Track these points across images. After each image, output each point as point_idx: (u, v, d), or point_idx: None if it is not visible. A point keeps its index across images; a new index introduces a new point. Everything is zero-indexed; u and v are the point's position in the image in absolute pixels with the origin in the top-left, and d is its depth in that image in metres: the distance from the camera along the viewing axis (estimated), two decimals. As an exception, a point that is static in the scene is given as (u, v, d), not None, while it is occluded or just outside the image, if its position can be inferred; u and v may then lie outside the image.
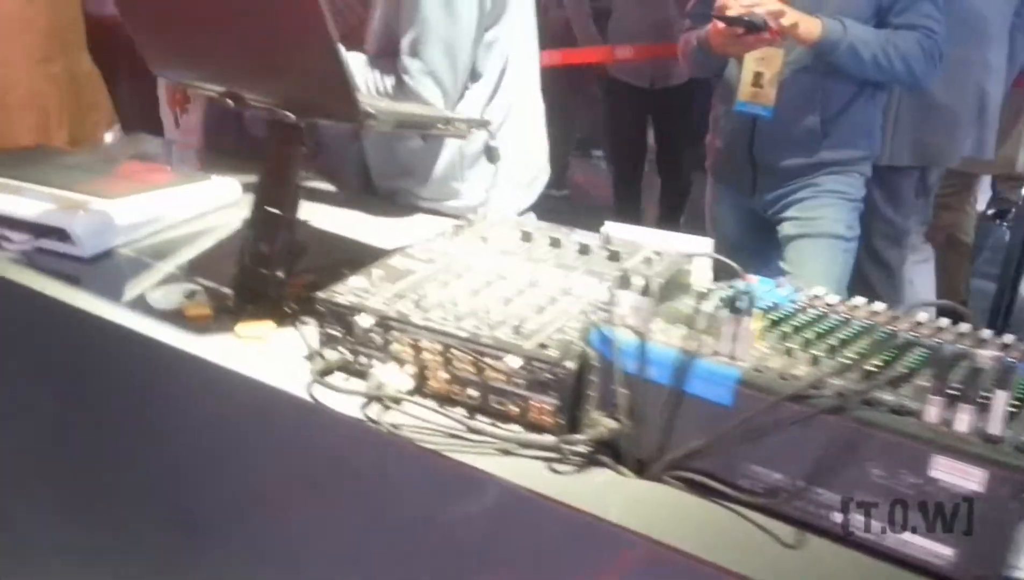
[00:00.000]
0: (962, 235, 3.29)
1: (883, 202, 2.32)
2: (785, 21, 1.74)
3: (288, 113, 1.09)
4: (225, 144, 2.06)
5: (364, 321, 1.02)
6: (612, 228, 1.28)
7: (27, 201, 1.34)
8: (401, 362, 1.01)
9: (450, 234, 1.24)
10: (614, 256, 1.18)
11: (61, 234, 1.30)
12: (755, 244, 2.10)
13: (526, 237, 1.24)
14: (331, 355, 1.05)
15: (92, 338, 1.23)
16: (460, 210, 1.58)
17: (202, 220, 1.51)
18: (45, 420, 1.32)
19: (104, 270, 1.34)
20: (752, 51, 1.86)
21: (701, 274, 1.20)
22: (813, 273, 1.87)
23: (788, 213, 1.98)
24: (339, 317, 1.04)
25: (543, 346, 0.95)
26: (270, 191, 1.18)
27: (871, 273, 2.34)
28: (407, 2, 1.44)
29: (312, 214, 1.57)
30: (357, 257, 1.34)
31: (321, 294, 1.05)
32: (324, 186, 1.73)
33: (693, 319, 0.92)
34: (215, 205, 1.54)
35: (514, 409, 0.97)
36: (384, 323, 1.02)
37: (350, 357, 1.05)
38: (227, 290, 1.24)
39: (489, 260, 1.16)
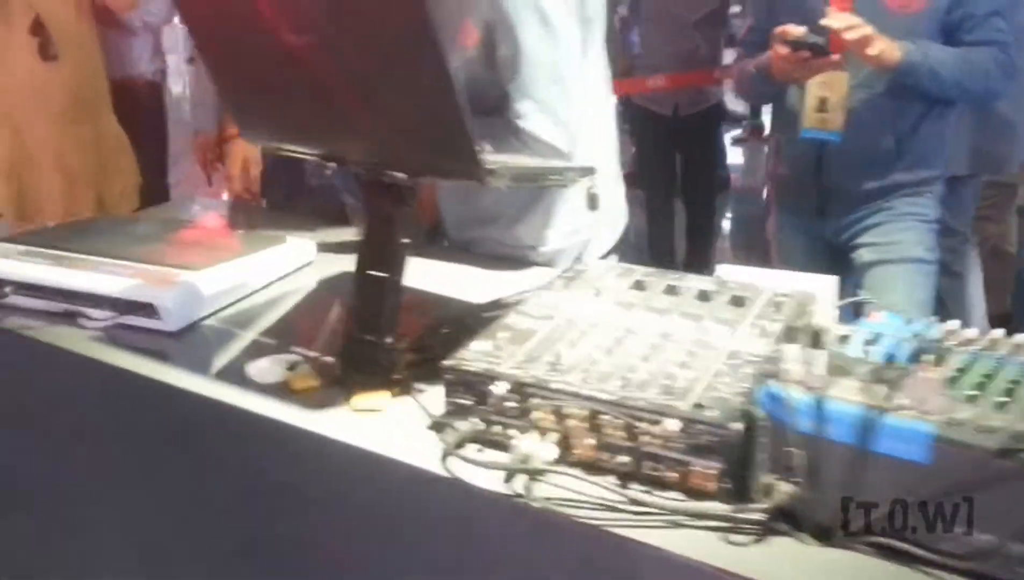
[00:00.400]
0: (1007, 246, 3.25)
1: (945, 212, 2.27)
2: (872, 50, 1.70)
3: (399, 174, 1.04)
4: (277, 195, 2.01)
5: (499, 389, 0.96)
6: (725, 270, 1.23)
7: (107, 277, 1.28)
8: (542, 430, 0.95)
9: (559, 286, 1.19)
10: (738, 301, 1.13)
11: (147, 309, 1.25)
12: (823, 270, 2.04)
13: (639, 285, 1.18)
14: (462, 425, 0.99)
15: (189, 415, 1.17)
16: (546, 256, 1.53)
17: (283, 283, 1.46)
18: (141, 502, 1.26)
19: (193, 344, 1.28)
20: (816, 76, 1.82)
21: (825, 315, 1.15)
22: (897, 299, 1.81)
23: (863, 239, 1.93)
24: (469, 385, 0.99)
25: (701, 406, 0.90)
26: (375, 254, 1.12)
27: (942, 285, 2.28)
28: (503, 33, 1.36)
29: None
30: (453, 314, 1.29)
31: (448, 362, 1.00)
32: None
33: (860, 368, 0.87)
34: (294, 267, 1.49)
35: (672, 475, 0.91)
36: (521, 390, 0.96)
37: (482, 426, 0.99)
38: (329, 359, 1.18)
39: (610, 313, 1.10)
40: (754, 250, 4.03)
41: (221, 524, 1.16)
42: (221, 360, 1.23)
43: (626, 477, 0.93)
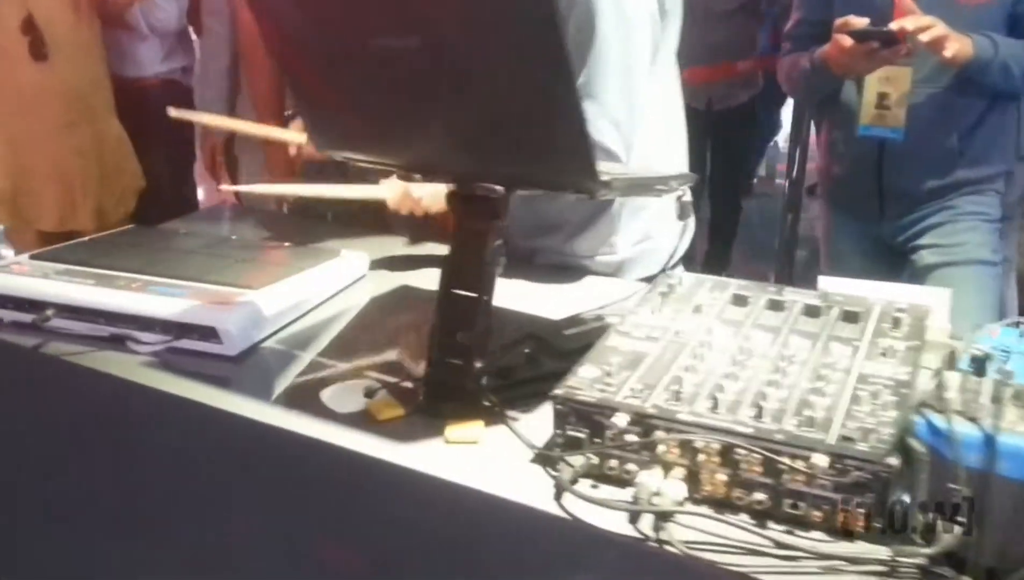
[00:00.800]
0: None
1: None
2: (948, 52, 1.64)
3: (495, 186, 0.96)
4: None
5: (620, 420, 0.89)
6: (827, 282, 1.16)
7: (161, 298, 1.19)
8: (667, 465, 0.88)
9: (655, 303, 1.11)
10: (850, 317, 1.06)
11: (206, 333, 1.16)
12: (880, 273, 1.98)
13: (739, 300, 1.11)
14: (576, 460, 0.91)
15: (258, 446, 1.08)
16: (612, 266, 1.45)
17: (339, 300, 1.37)
18: (204, 541, 1.17)
19: (255, 368, 1.20)
20: (878, 70, 1.75)
21: (941, 330, 1.09)
22: (963, 303, 1.75)
23: (925, 240, 1.87)
24: (583, 416, 0.91)
25: (849, 440, 0.82)
26: (463, 271, 1.04)
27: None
28: (582, 21, 1.27)
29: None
30: (532, 333, 1.22)
31: (559, 391, 0.92)
32: (437, 249, 1.59)
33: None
34: (348, 281, 1.40)
35: (816, 514, 0.83)
36: (643, 421, 0.88)
37: (596, 460, 0.91)
38: (408, 384, 1.10)
39: (719, 332, 1.03)
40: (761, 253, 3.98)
41: (301, 564, 1.08)
42: (289, 386, 1.15)
43: (761, 515, 0.86)
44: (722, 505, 0.87)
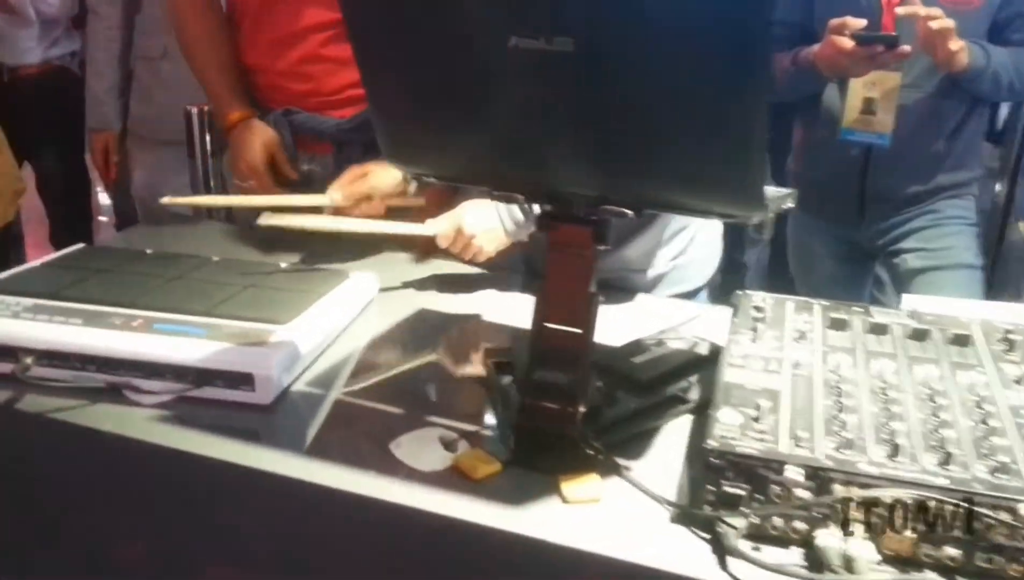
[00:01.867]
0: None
1: None
2: (953, 44, 1.62)
3: (625, 210, 0.84)
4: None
5: (793, 474, 0.79)
6: (912, 301, 1.10)
7: (175, 340, 1.00)
8: (844, 522, 0.79)
9: (749, 328, 1.02)
10: (960, 340, 1.00)
11: (235, 379, 0.98)
12: (850, 275, 1.98)
13: (837, 324, 1.04)
14: (737, 520, 0.81)
15: (334, 516, 0.92)
16: (650, 282, 1.35)
17: (357, 327, 1.21)
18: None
19: (291, 417, 1.03)
20: (866, 74, 1.73)
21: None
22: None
23: (908, 244, 1.86)
24: (743, 470, 0.81)
25: (1051, 486, 0.76)
26: (560, 303, 0.92)
27: None
28: None
29: (479, 305, 1.31)
30: (597, 363, 1.10)
31: (713, 443, 0.81)
32: (464, 268, 1.44)
33: None
34: (361, 306, 1.24)
35: (1017, 568, 0.77)
36: (819, 475, 0.79)
37: (755, 520, 0.81)
38: (487, 431, 0.97)
39: (840, 363, 0.95)
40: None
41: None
42: (342, 438, 0.99)
43: (950, 572, 0.78)
44: (910, 563, 0.78)
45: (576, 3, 0.70)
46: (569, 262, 0.91)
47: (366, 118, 1.45)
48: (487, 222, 1.30)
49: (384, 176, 1.36)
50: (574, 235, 0.90)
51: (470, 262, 1.35)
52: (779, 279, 3.59)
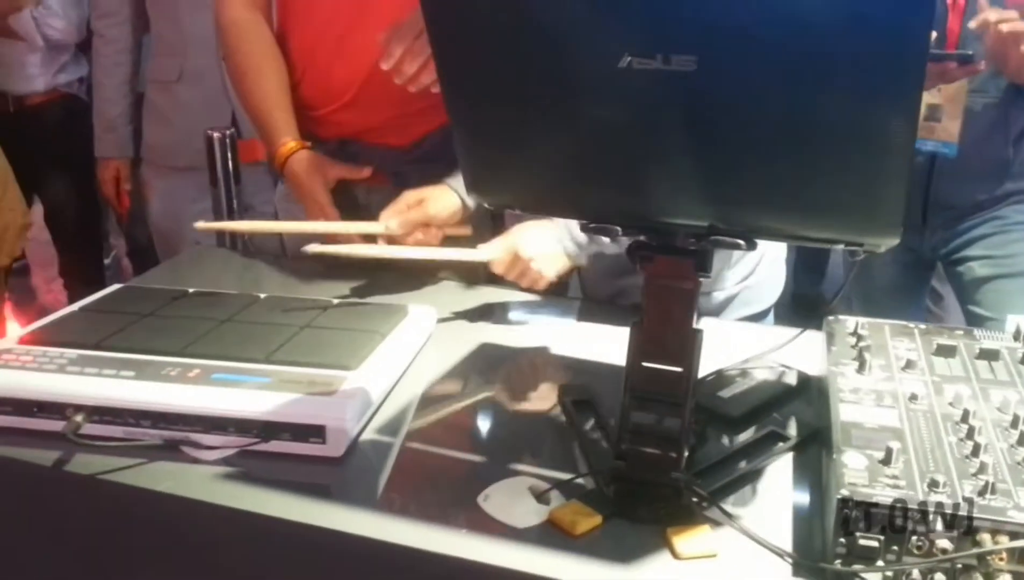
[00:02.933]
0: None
1: None
2: None
3: (739, 241, 0.77)
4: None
5: (936, 525, 0.72)
6: (1018, 321, 1.04)
7: (237, 392, 0.93)
8: (988, 573, 0.72)
9: (843, 356, 0.96)
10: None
11: (304, 432, 0.91)
12: (909, 285, 1.91)
13: (945, 351, 0.98)
14: (872, 576, 0.74)
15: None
16: (716, 304, 1.29)
17: (421, 365, 1.14)
18: None
19: (364, 471, 0.96)
20: (933, 88, 1.66)
21: None
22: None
23: (972, 251, 1.79)
24: (878, 520, 0.74)
25: None
26: (661, 340, 0.85)
27: None
28: None
29: (541, 337, 1.24)
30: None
31: (845, 492, 0.74)
32: (519, 296, 1.37)
33: None
34: (421, 342, 1.17)
35: None
36: (963, 523, 0.72)
37: (889, 573, 0.74)
38: (580, 480, 0.90)
39: (959, 395, 0.89)
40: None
41: None
42: (423, 493, 0.92)
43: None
44: (1057, 614, 0.72)
45: (701, 19, 0.63)
46: (669, 295, 0.85)
47: (426, 149, 1.39)
48: (545, 246, 1.23)
49: (442, 203, 1.29)
50: (674, 267, 0.84)
51: (528, 289, 1.29)
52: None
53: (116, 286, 1.27)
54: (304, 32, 1.40)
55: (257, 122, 1.43)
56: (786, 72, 0.64)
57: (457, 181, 1.29)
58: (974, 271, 1.78)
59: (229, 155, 1.93)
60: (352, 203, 1.47)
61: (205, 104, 2.09)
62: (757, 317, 1.30)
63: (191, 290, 1.24)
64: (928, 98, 1.70)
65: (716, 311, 1.28)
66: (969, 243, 1.80)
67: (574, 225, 1.23)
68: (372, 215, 1.44)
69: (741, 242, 0.77)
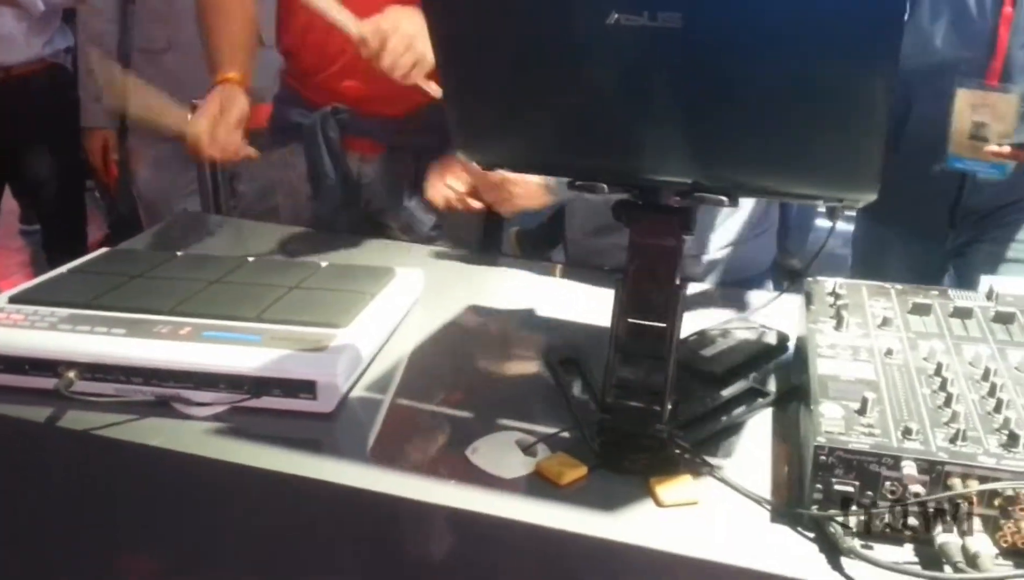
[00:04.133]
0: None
1: None
2: None
3: (722, 198, 0.79)
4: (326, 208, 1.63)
5: (909, 470, 0.75)
6: (992, 282, 1.06)
7: (228, 348, 0.95)
8: (959, 518, 0.75)
9: (826, 316, 0.98)
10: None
11: (295, 387, 0.93)
12: (933, 278, 1.84)
13: (920, 309, 1.00)
14: (848, 519, 0.77)
15: (402, 530, 0.88)
16: (701, 270, 1.31)
17: (408, 327, 1.16)
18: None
19: (354, 425, 0.98)
20: (971, 96, 1.55)
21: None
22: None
23: (986, 235, 1.72)
24: (853, 467, 0.77)
25: None
26: (646, 296, 0.87)
27: None
28: None
29: (528, 299, 1.26)
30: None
31: (821, 440, 0.77)
32: (508, 262, 1.39)
33: None
34: (409, 304, 1.19)
35: None
36: (935, 469, 0.75)
37: (863, 517, 0.77)
38: (565, 433, 0.92)
39: (933, 350, 0.92)
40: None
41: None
42: (412, 445, 0.94)
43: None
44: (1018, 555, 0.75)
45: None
46: (653, 253, 0.87)
47: (420, 120, 1.39)
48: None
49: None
50: (659, 225, 0.86)
51: (493, 206, 1.29)
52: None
53: (104, 249, 1.27)
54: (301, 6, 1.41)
55: (209, 55, 1.44)
56: (770, 30, 0.65)
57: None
58: (984, 253, 1.72)
59: (216, 124, 1.94)
60: (345, 172, 1.48)
61: (193, 73, 2.07)
62: (743, 284, 1.32)
63: (179, 253, 1.25)
64: (972, 114, 1.58)
65: (702, 277, 1.30)
66: (985, 230, 1.73)
67: None
68: (364, 185, 1.46)
69: (724, 198, 0.79)
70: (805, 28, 0.64)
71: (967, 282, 1.71)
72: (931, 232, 1.73)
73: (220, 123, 1.31)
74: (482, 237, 1.55)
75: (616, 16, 0.68)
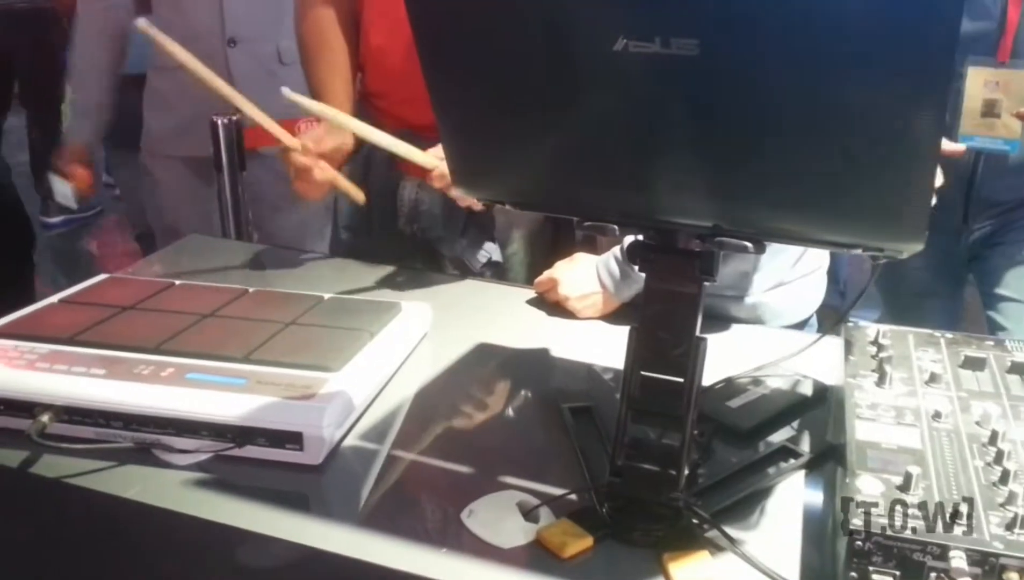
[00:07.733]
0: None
1: None
2: None
3: (745, 243, 0.71)
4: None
5: (959, 562, 0.65)
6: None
7: (210, 394, 0.88)
8: (1018, 613, 0.65)
9: (867, 369, 0.89)
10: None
11: (281, 438, 0.86)
12: (946, 288, 1.80)
13: (973, 364, 0.90)
14: (888, 615, 0.67)
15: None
16: (746, 311, 1.21)
17: (413, 367, 1.08)
18: None
19: (344, 480, 0.90)
20: (983, 73, 1.54)
21: None
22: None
23: (1007, 236, 1.67)
24: (893, 555, 0.67)
25: None
26: (661, 347, 0.78)
27: None
28: None
29: (544, 338, 1.17)
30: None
31: (858, 523, 0.67)
32: (522, 293, 1.31)
33: None
34: (415, 341, 1.11)
35: None
36: (987, 560, 0.65)
37: (910, 610, 0.68)
38: (573, 497, 0.84)
39: (988, 414, 0.81)
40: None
41: None
42: (404, 507, 0.86)
43: None
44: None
45: (709, 7, 0.57)
46: (670, 300, 0.78)
47: None
48: (583, 285, 1.20)
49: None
50: (676, 268, 0.77)
51: None
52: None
53: (103, 277, 1.22)
54: (378, 28, 1.44)
55: (312, 88, 1.48)
56: (798, 58, 0.57)
57: None
58: (1006, 253, 1.66)
59: (234, 141, 1.88)
60: (400, 197, 1.48)
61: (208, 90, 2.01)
62: (793, 328, 1.22)
63: (178, 282, 1.19)
64: (984, 92, 1.57)
65: (745, 322, 1.20)
66: (1005, 228, 1.68)
67: (610, 257, 1.18)
68: (421, 214, 1.45)
69: (748, 244, 0.70)
70: (842, 53, 0.55)
71: (988, 284, 1.71)
72: (945, 227, 1.67)
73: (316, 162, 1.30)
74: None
75: (624, 42, 0.60)
